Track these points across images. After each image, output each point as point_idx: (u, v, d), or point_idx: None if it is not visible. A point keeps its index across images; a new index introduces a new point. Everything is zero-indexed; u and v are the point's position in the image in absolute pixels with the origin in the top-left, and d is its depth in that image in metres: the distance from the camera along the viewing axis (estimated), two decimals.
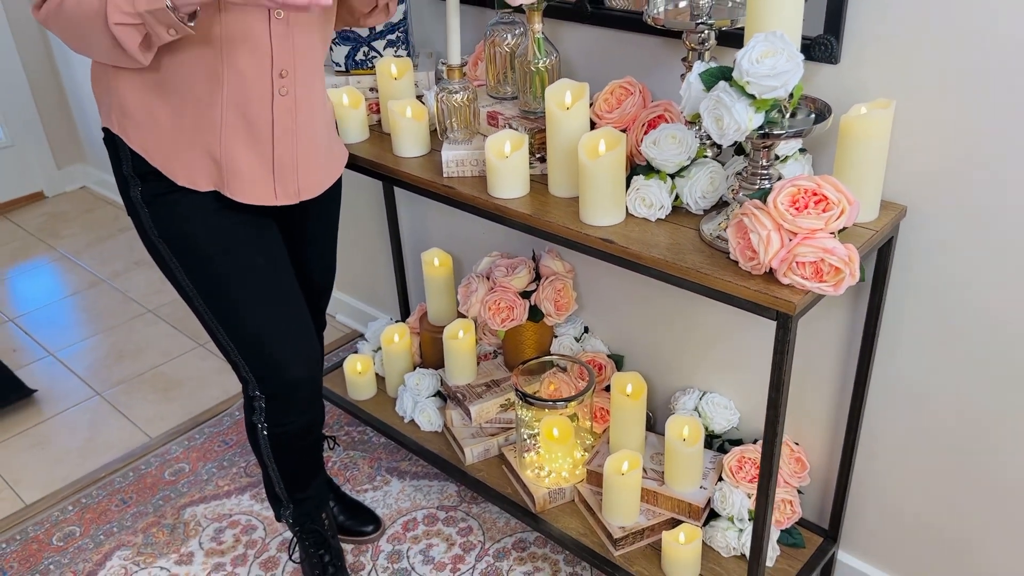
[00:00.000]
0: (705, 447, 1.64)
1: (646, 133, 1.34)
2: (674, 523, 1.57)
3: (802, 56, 1.05)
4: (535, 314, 1.83)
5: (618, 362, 1.85)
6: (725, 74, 1.08)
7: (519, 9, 1.41)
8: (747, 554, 1.52)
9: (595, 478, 1.65)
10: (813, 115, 1.17)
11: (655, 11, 1.32)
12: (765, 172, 1.18)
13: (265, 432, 1.50)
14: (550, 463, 1.69)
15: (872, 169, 1.22)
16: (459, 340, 1.83)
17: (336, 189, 1.51)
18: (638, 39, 1.51)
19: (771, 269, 1.11)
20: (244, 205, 1.31)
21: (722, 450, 1.67)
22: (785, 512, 1.55)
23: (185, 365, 2.51)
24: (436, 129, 1.58)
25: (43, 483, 2.09)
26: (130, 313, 2.79)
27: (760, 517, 1.31)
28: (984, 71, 1.15)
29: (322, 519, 1.70)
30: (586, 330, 1.91)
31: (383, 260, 2.36)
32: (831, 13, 1.24)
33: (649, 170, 1.31)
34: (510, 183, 1.38)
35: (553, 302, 1.81)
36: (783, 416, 1.21)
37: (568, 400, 1.64)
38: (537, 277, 1.86)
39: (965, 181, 1.23)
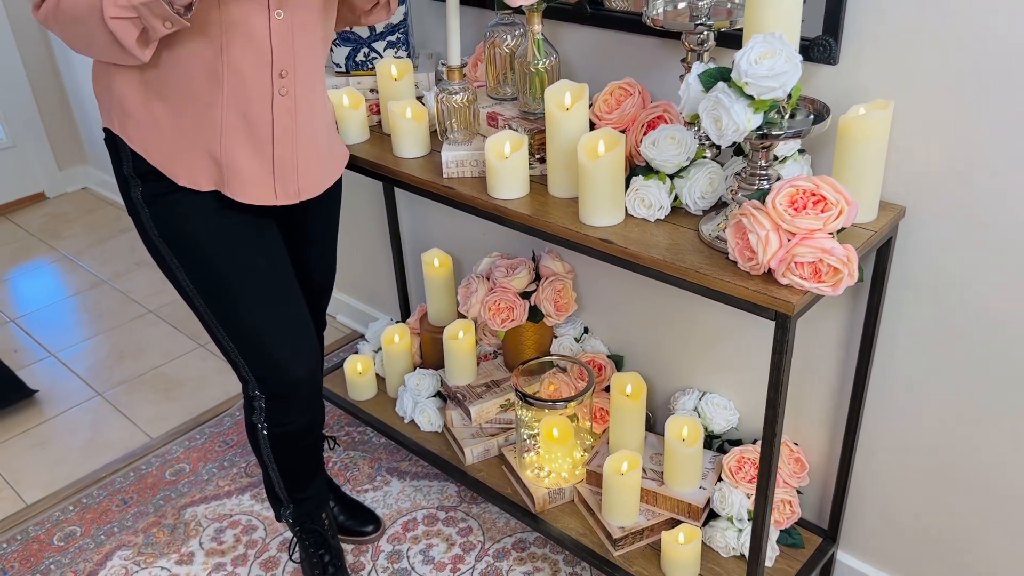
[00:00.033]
0: (705, 447, 1.65)
1: (645, 134, 1.35)
2: (673, 523, 1.57)
3: (800, 57, 1.05)
4: (535, 314, 1.83)
5: (618, 362, 1.85)
6: (724, 75, 1.08)
7: (519, 10, 1.41)
8: (746, 554, 1.53)
9: (595, 478, 1.65)
10: (812, 116, 1.17)
11: (654, 12, 1.32)
12: (764, 173, 1.18)
13: (265, 432, 1.51)
14: (550, 463, 1.69)
15: (870, 170, 1.22)
16: (459, 340, 1.84)
17: (336, 189, 1.52)
18: (637, 40, 1.51)
19: (770, 269, 1.11)
20: (244, 205, 1.31)
21: (721, 450, 1.67)
22: (784, 512, 1.56)
23: (186, 365, 2.51)
24: (436, 130, 1.58)
25: (44, 483, 2.09)
26: (131, 314, 2.80)
27: (759, 517, 1.31)
28: (983, 72, 1.15)
29: (322, 519, 1.70)
30: (586, 330, 1.91)
31: (383, 261, 2.37)
32: (830, 14, 1.24)
33: (648, 171, 1.31)
34: (510, 184, 1.38)
35: (553, 303, 1.82)
36: (782, 416, 1.21)
37: (568, 400, 1.64)
38: (537, 278, 1.86)
39: (964, 182, 1.23)
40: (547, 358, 1.79)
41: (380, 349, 2.07)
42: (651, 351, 1.79)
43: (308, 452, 1.61)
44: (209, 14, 1.17)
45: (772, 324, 1.14)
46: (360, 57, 1.70)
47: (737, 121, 1.06)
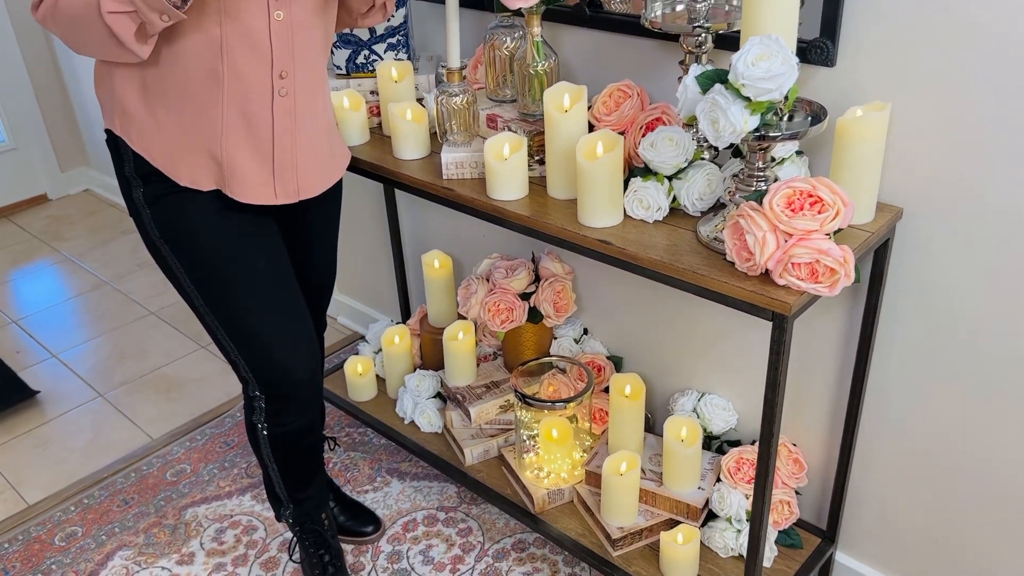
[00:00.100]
0: (704, 448, 1.65)
1: (644, 135, 1.35)
2: (672, 524, 1.58)
3: (797, 59, 1.05)
4: (534, 316, 1.83)
5: (617, 363, 1.86)
6: (721, 77, 1.09)
7: (518, 13, 1.42)
8: (745, 555, 1.53)
9: (594, 479, 1.66)
10: (809, 118, 1.18)
11: (653, 15, 1.33)
12: (761, 174, 1.19)
13: (265, 432, 1.51)
14: (549, 464, 1.69)
15: (868, 171, 1.23)
16: (459, 342, 1.84)
17: (337, 189, 1.52)
18: (636, 42, 1.52)
19: (767, 270, 1.12)
20: (245, 205, 1.32)
21: (720, 451, 1.67)
22: (783, 513, 1.56)
23: (187, 367, 2.52)
24: (436, 132, 1.59)
25: (45, 483, 2.10)
26: (132, 315, 2.80)
27: (757, 517, 1.32)
28: (980, 74, 1.16)
29: (322, 519, 1.71)
30: (585, 332, 1.91)
31: (384, 262, 2.38)
32: (827, 17, 1.25)
33: (647, 172, 1.32)
34: (509, 185, 1.39)
35: (552, 304, 1.82)
36: (779, 416, 1.22)
37: (567, 401, 1.65)
38: (536, 279, 1.87)
39: (961, 183, 1.24)
40: (546, 359, 1.80)
41: (380, 350, 2.08)
42: (650, 352, 1.80)
43: (308, 452, 1.61)
44: (209, 15, 1.17)
45: (770, 325, 1.14)
46: (360, 59, 1.71)
47: (734, 123, 1.06)
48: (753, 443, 1.60)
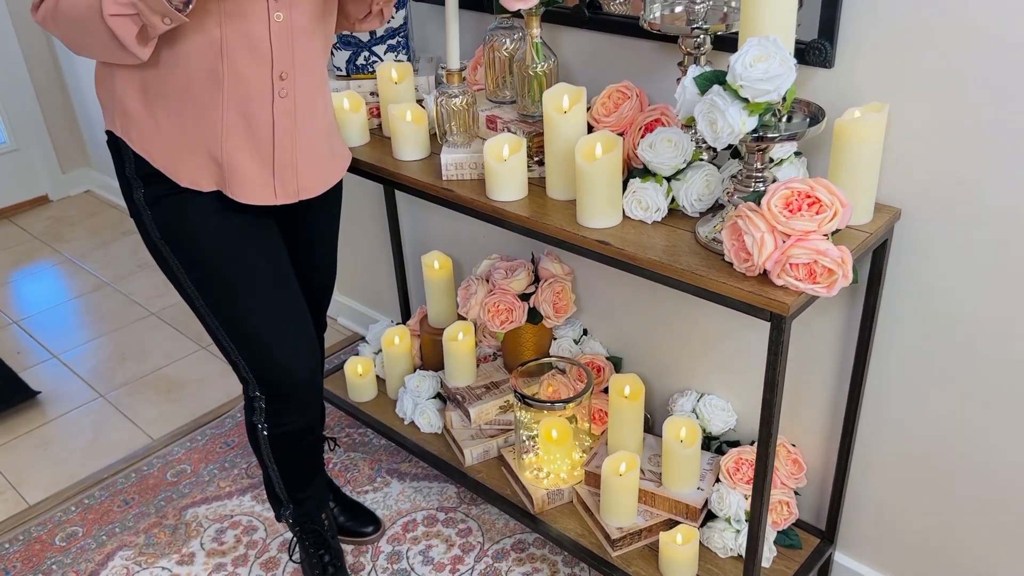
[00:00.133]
0: (703, 449, 1.66)
1: (643, 136, 1.36)
2: (671, 524, 1.58)
3: (795, 60, 1.06)
4: (534, 316, 1.84)
5: (616, 364, 1.86)
6: (719, 78, 1.09)
7: (517, 14, 1.42)
8: (744, 555, 1.53)
9: (593, 479, 1.66)
10: (807, 119, 1.18)
11: (651, 16, 1.33)
12: (759, 175, 1.19)
13: (265, 432, 1.52)
14: (549, 464, 1.70)
15: (866, 172, 1.23)
16: (459, 342, 1.85)
17: (338, 189, 1.53)
18: (635, 44, 1.52)
19: (765, 271, 1.12)
20: (245, 206, 1.32)
21: (720, 452, 1.67)
22: (782, 513, 1.56)
23: (187, 367, 2.52)
24: (436, 133, 1.59)
25: (46, 484, 2.10)
26: (133, 316, 2.81)
27: (755, 517, 1.32)
28: (978, 75, 1.16)
29: (322, 519, 1.71)
30: (585, 332, 1.92)
31: (384, 263, 2.38)
32: (825, 18, 1.25)
33: (645, 173, 1.32)
34: (508, 186, 1.40)
35: (552, 304, 1.82)
36: (777, 416, 1.22)
37: (567, 402, 1.65)
38: (536, 279, 1.87)
39: (959, 183, 1.24)
40: (546, 360, 1.80)
41: (380, 351, 2.08)
42: (650, 353, 1.80)
43: (308, 453, 1.61)
44: (209, 16, 1.18)
45: (769, 325, 1.15)
46: (361, 61, 1.71)
47: (732, 124, 1.06)
48: (752, 443, 1.60)
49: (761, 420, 1.23)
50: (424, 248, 2.20)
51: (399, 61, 1.71)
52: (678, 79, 1.31)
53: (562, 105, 1.34)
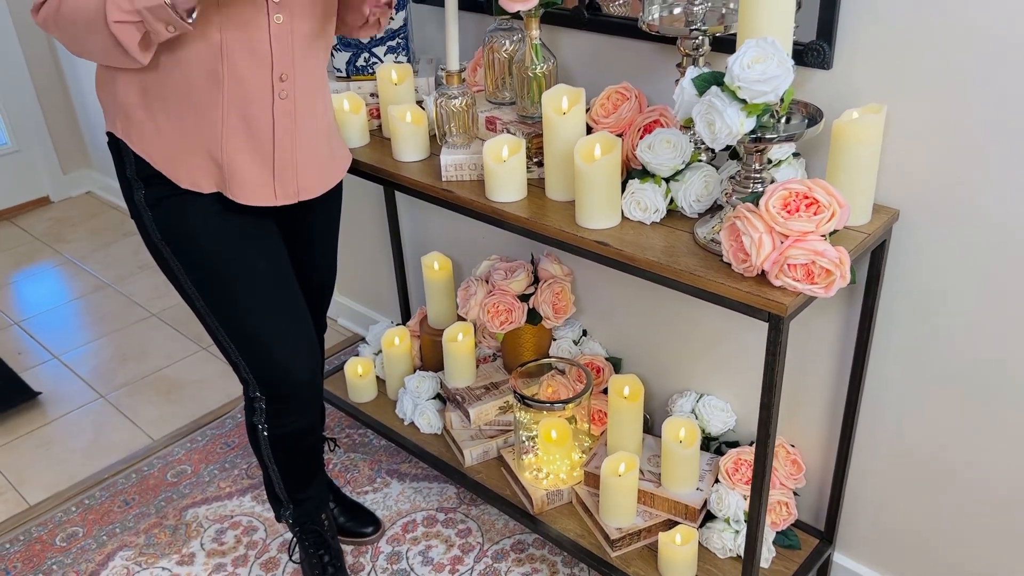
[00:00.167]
0: (702, 449, 1.66)
1: (641, 137, 1.36)
2: (671, 524, 1.58)
3: (792, 62, 1.06)
4: (533, 317, 1.84)
5: (616, 365, 1.86)
6: (717, 79, 1.10)
7: (517, 16, 1.42)
8: (743, 555, 1.53)
9: (593, 480, 1.66)
10: (805, 120, 1.18)
11: (650, 18, 1.33)
12: (758, 176, 1.19)
13: (265, 433, 1.52)
14: (548, 465, 1.70)
15: (864, 173, 1.23)
16: (458, 343, 1.85)
17: (338, 189, 1.53)
18: (634, 45, 1.52)
19: (763, 271, 1.12)
20: (246, 207, 1.33)
21: (719, 452, 1.68)
22: (781, 514, 1.56)
23: (188, 368, 2.53)
24: (435, 134, 1.60)
25: (47, 484, 2.11)
26: (134, 317, 2.81)
27: (754, 518, 1.32)
28: (976, 76, 1.17)
29: (322, 520, 1.71)
30: (584, 333, 1.92)
31: (384, 264, 2.38)
32: (823, 19, 1.26)
33: (644, 174, 1.33)
34: (508, 187, 1.40)
35: (551, 305, 1.83)
36: (776, 417, 1.22)
37: (566, 402, 1.65)
38: (536, 280, 1.87)
39: (957, 184, 1.24)
40: (546, 360, 1.81)
41: (380, 352, 2.09)
42: (649, 353, 1.80)
43: (308, 453, 1.62)
44: (209, 18, 1.18)
45: (767, 326, 1.15)
46: (360, 62, 1.72)
47: (730, 125, 1.07)
48: (751, 444, 1.61)
49: (760, 421, 1.23)
50: (424, 249, 2.20)
51: (399, 62, 1.71)
52: (676, 80, 1.31)
53: (561, 106, 1.34)
